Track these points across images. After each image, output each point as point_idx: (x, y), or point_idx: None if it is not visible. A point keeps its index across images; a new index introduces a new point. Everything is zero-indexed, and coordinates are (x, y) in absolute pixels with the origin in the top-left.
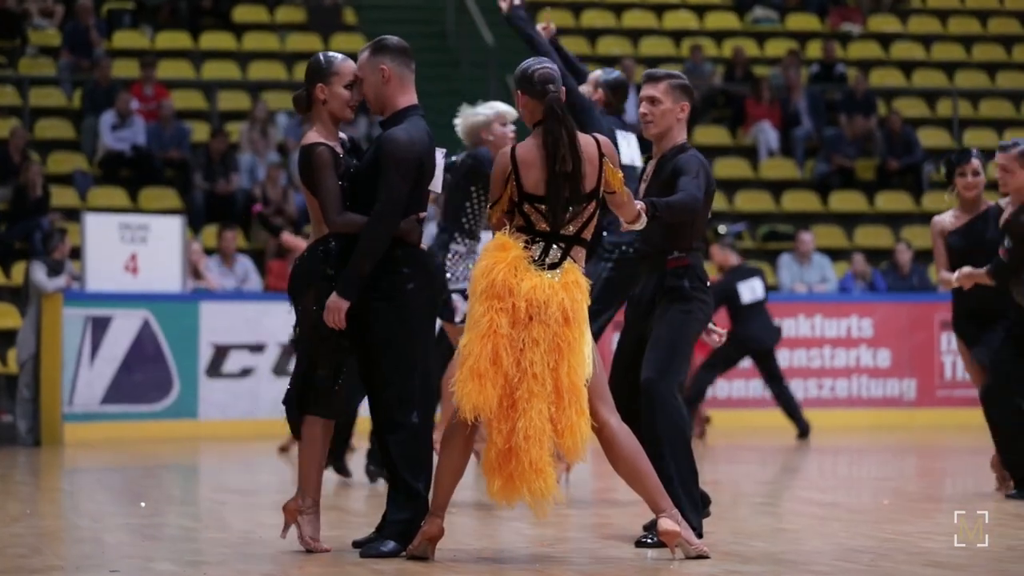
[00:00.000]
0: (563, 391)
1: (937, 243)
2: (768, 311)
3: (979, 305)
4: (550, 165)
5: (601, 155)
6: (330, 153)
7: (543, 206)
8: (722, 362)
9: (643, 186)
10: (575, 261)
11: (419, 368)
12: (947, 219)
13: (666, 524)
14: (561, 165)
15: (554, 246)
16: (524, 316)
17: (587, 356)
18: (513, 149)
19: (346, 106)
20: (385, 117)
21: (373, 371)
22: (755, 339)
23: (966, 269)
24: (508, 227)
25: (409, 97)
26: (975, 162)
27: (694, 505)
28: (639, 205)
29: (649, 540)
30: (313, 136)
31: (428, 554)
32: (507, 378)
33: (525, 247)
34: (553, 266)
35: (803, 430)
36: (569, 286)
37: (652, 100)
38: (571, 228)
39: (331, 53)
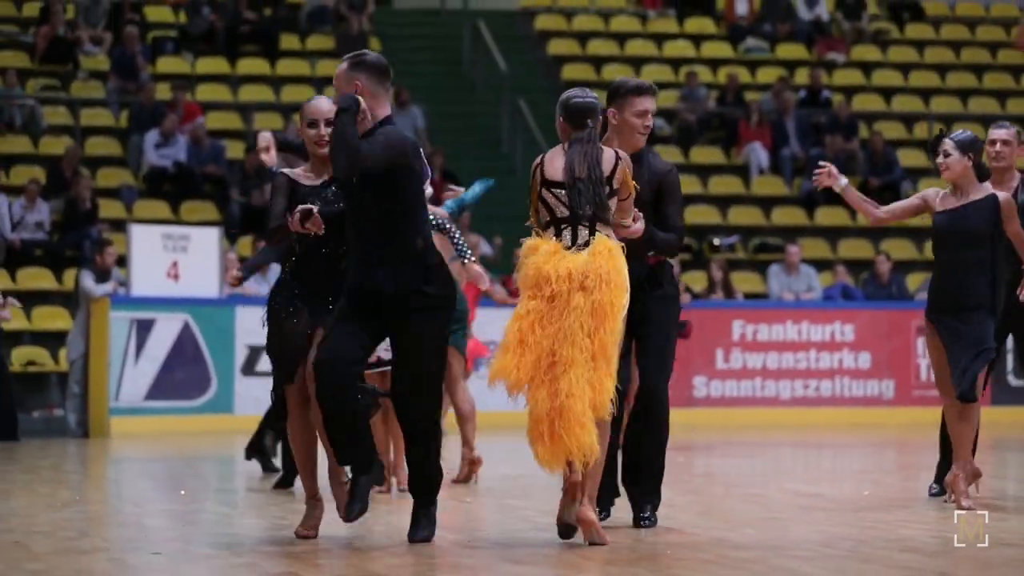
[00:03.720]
0: (597, 354)
1: (913, 201)
2: None
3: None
4: (568, 156)
5: (618, 157)
6: (285, 180)
7: (561, 191)
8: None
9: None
10: (604, 235)
11: None
12: (939, 197)
13: (589, 512)
14: (579, 171)
15: (580, 228)
16: (565, 291)
17: (620, 322)
18: (543, 158)
19: (312, 142)
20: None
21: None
22: None
23: None
24: (535, 227)
25: (383, 110)
26: (948, 143)
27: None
28: (640, 223)
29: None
30: (288, 169)
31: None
32: (540, 349)
33: (557, 238)
34: (585, 245)
35: None
36: (602, 254)
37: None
38: (588, 208)
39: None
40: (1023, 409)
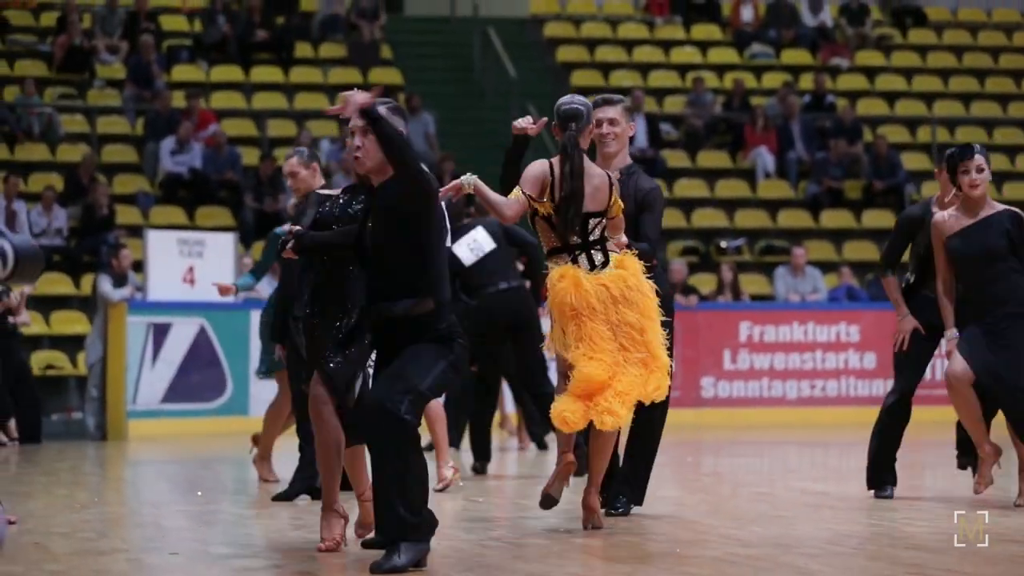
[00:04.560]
0: (648, 361)
1: (938, 249)
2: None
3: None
4: (559, 192)
5: (611, 184)
6: (316, 198)
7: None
8: None
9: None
10: (613, 251)
11: None
12: (949, 220)
13: (594, 500)
14: (564, 190)
15: (593, 252)
16: (603, 309)
17: (659, 324)
18: (549, 167)
19: (350, 154)
20: (379, 180)
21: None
22: None
23: None
24: (545, 251)
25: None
26: (979, 158)
27: None
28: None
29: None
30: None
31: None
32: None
33: (574, 264)
34: (603, 265)
35: None
36: (628, 268)
37: (612, 122)
38: (596, 232)
39: None
40: None
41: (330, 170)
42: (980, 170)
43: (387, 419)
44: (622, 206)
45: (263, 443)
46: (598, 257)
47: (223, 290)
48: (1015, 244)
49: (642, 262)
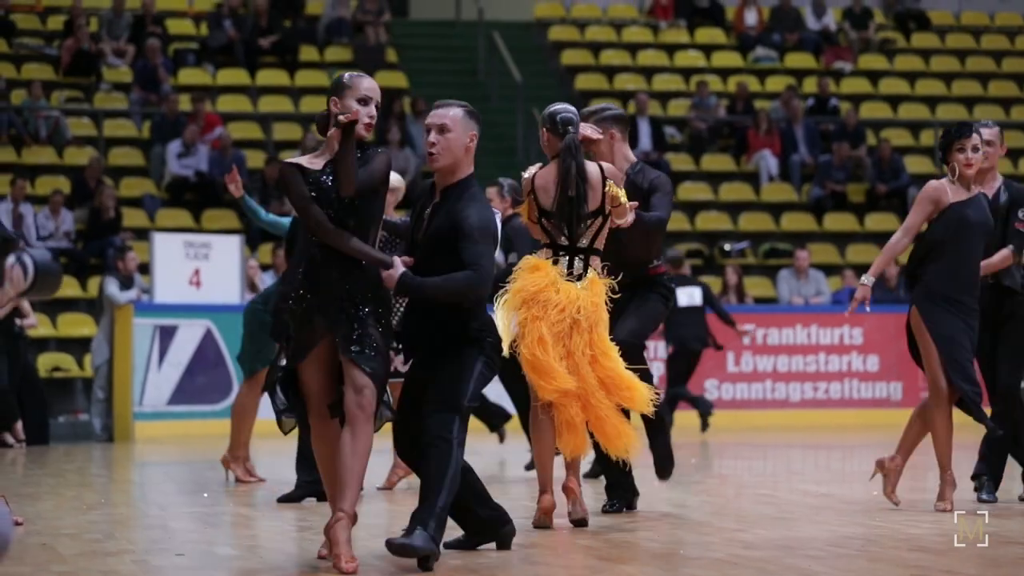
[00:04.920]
0: (605, 383)
1: (923, 208)
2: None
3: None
4: (561, 191)
5: (604, 178)
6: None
7: (555, 221)
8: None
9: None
10: (594, 269)
11: None
12: (952, 189)
13: (573, 483)
14: (571, 190)
15: (576, 259)
16: (566, 320)
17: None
18: (534, 175)
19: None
20: (445, 182)
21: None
22: (681, 340)
23: (992, 260)
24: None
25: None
26: (976, 137)
27: None
28: (630, 215)
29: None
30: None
31: (548, 524)
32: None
33: (555, 262)
34: (580, 277)
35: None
36: (595, 291)
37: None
38: (584, 241)
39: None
40: None
41: None
42: (976, 149)
43: (444, 447)
44: (618, 192)
45: (235, 443)
46: (578, 266)
47: (231, 178)
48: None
49: (656, 230)
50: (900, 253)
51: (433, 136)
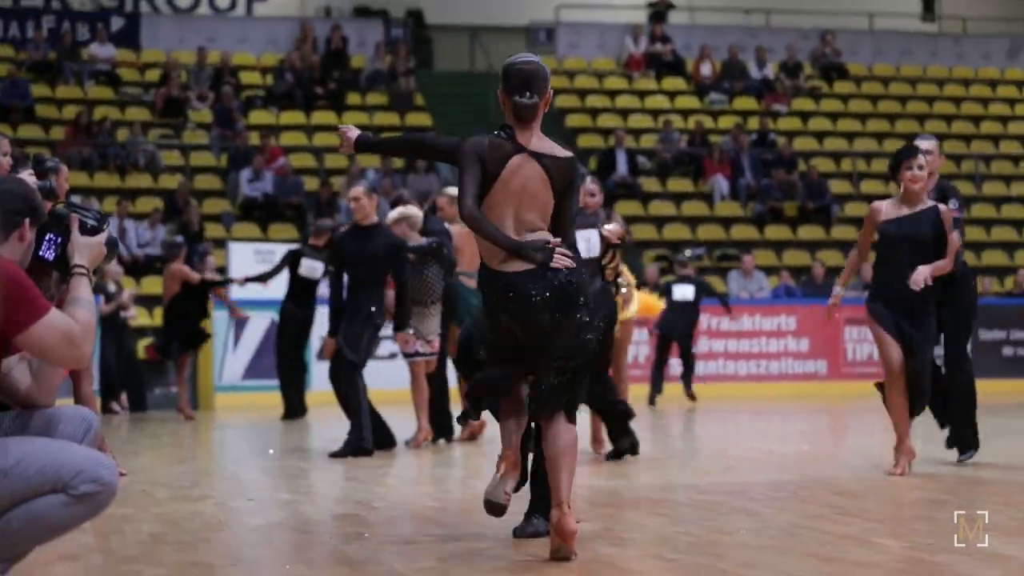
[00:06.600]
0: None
1: (869, 229)
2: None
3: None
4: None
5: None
6: None
7: None
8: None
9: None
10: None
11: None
12: (887, 208)
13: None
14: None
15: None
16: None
17: None
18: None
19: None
20: None
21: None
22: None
23: (925, 269)
24: None
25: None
26: (921, 157)
27: None
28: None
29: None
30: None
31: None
32: None
33: None
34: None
35: (651, 399)
36: None
37: None
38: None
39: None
40: None
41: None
42: (920, 167)
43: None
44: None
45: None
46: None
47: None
48: (937, 235)
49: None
50: (855, 264)
51: None
